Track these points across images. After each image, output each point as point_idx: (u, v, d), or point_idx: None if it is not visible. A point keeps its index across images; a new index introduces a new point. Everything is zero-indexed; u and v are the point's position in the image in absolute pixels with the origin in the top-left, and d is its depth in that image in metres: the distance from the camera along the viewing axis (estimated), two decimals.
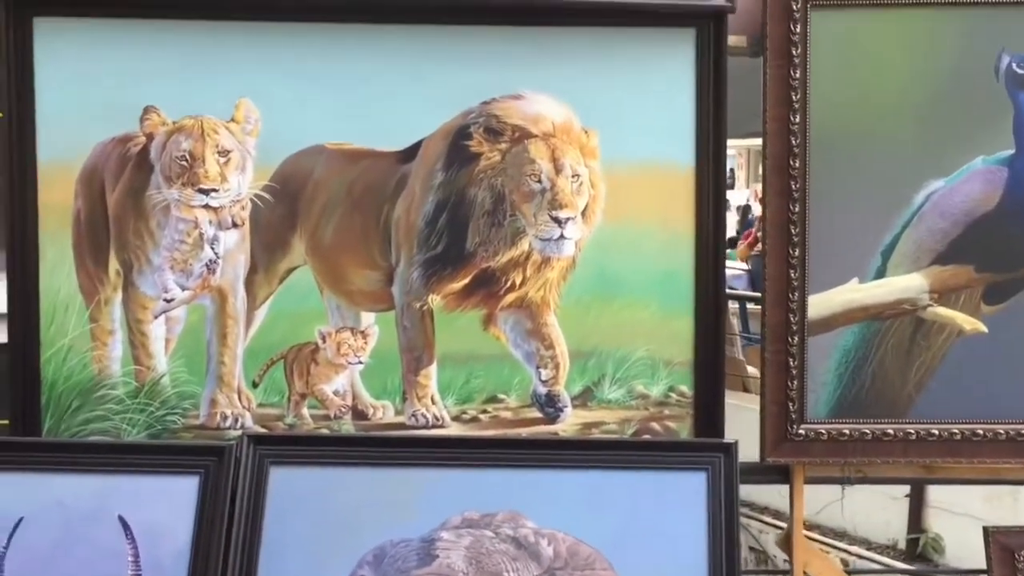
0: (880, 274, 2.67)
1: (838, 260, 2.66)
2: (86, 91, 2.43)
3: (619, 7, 2.54)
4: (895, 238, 2.66)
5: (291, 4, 2.45)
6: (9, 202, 2.41)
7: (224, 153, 2.44)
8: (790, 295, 2.65)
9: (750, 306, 9.18)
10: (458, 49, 2.52)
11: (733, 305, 8.01)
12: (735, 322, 8.05)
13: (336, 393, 2.58)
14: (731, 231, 13.97)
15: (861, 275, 2.67)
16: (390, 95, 2.51)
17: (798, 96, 2.63)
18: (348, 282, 2.57)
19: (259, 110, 2.47)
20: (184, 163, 2.44)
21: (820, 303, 2.65)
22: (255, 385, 2.56)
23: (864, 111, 2.65)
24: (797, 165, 2.64)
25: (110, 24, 2.42)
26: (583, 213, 2.55)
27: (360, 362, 2.57)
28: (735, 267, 10.66)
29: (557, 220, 2.52)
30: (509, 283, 2.56)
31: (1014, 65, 2.60)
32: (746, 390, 7.77)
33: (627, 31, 2.57)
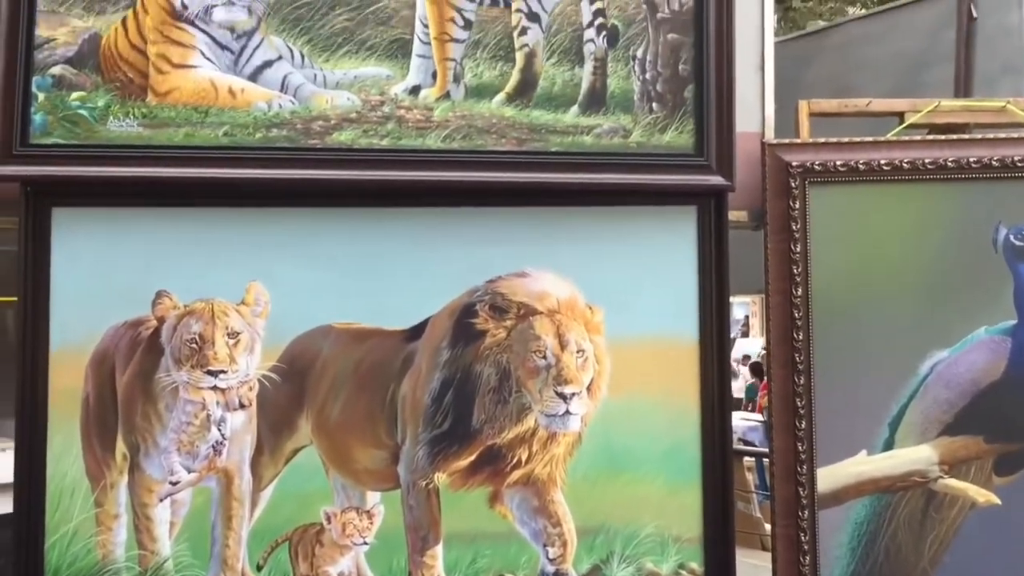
0: (888, 446, 2.66)
1: (845, 432, 2.66)
2: (100, 277, 2.49)
3: (621, 187, 2.60)
4: (902, 409, 2.66)
5: (299, 190, 2.52)
6: (20, 388, 2.44)
7: (233, 335, 2.48)
8: (798, 468, 2.65)
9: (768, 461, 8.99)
10: (463, 230, 2.59)
11: (749, 460, 7.89)
12: (751, 477, 7.92)
13: (341, 575, 2.54)
14: (746, 380, 13.89)
15: (869, 447, 2.66)
16: (397, 275, 2.57)
17: (799, 269, 2.68)
18: (354, 461, 2.56)
19: (269, 292, 2.52)
20: (194, 345, 2.47)
21: (829, 476, 2.64)
22: (259, 568, 2.53)
23: (866, 283, 2.69)
24: (800, 337, 2.67)
25: (125, 212, 2.50)
26: (588, 388, 2.56)
27: (365, 543, 2.54)
28: (751, 418, 10.55)
29: (562, 396, 2.53)
30: (515, 460, 2.56)
31: (1012, 237, 2.65)
32: (764, 548, 7.57)
33: (629, 209, 2.64)
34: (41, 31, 2.44)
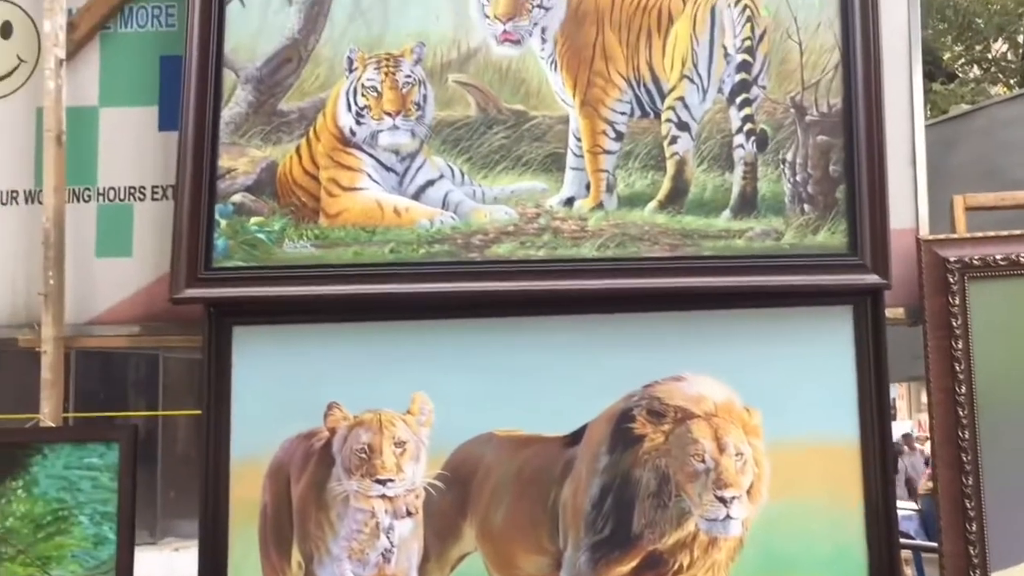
0: None
1: (1019, 534, 2.56)
2: (276, 391, 2.62)
3: (775, 289, 2.61)
4: None
5: (460, 302, 2.62)
6: (203, 497, 2.57)
7: (400, 444, 2.57)
8: (971, 573, 2.56)
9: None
10: (619, 336, 2.63)
11: (906, 552, 7.57)
12: (909, 572, 7.59)
13: None
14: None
15: None
16: (556, 382, 2.62)
17: (962, 366, 2.63)
18: (517, 567, 2.60)
19: (432, 402, 2.60)
20: (363, 455, 2.57)
21: None
22: None
23: None
24: (967, 436, 2.60)
25: (299, 329, 2.64)
26: (748, 492, 2.55)
27: None
28: (905, 507, 10.13)
29: (722, 500, 2.52)
30: (676, 565, 2.55)
31: None
32: None
33: (784, 311, 2.65)
34: (223, 162, 2.63)
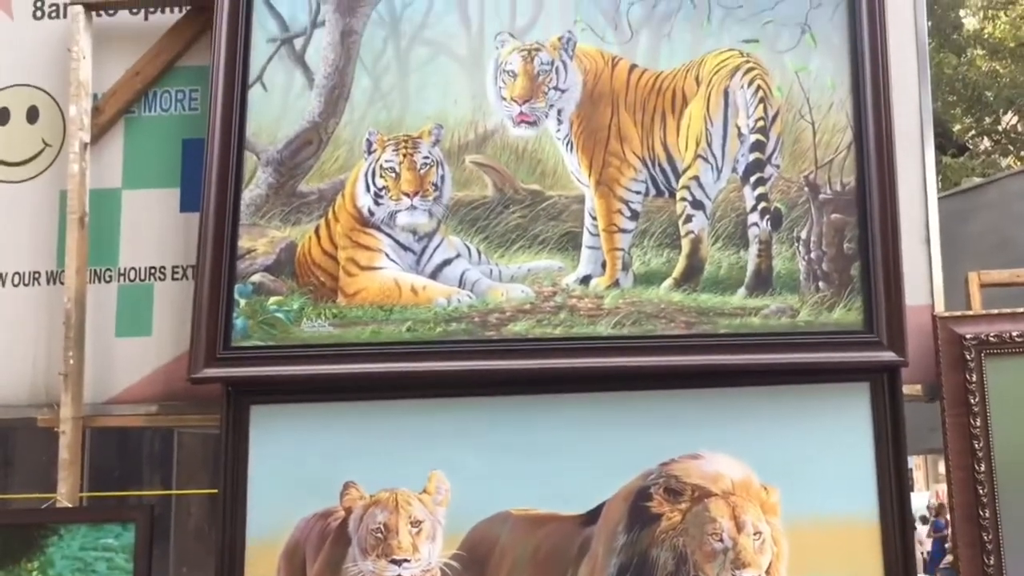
0: None
1: None
2: (293, 469, 2.62)
3: (791, 366, 2.62)
4: None
5: (477, 380, 2.62)
6: None
7: (416, 524, 2.56)
8: None
9: None
10: (636, 413, 2.63)
11: None
12: None
13: None
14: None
15: None
16: (572, 460, 2.62)
17: (980, 444, 2.62)
18: None
19: (449, 480, 2.60)
20: (379, 535, 2.55)
21: None
22: None
23: None
24: (987, 515, 2.58)
25: (316, 408, 2.65)
26: (767, 571, 2.52)
27: None
28: None
29: None
30: None
31: None
32: None
33: (801, 388, 2.64)
34: (243, 243, 2.67)
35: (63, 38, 2.99)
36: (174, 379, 2.76)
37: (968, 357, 2.66)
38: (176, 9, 2.97)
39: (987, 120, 18.03)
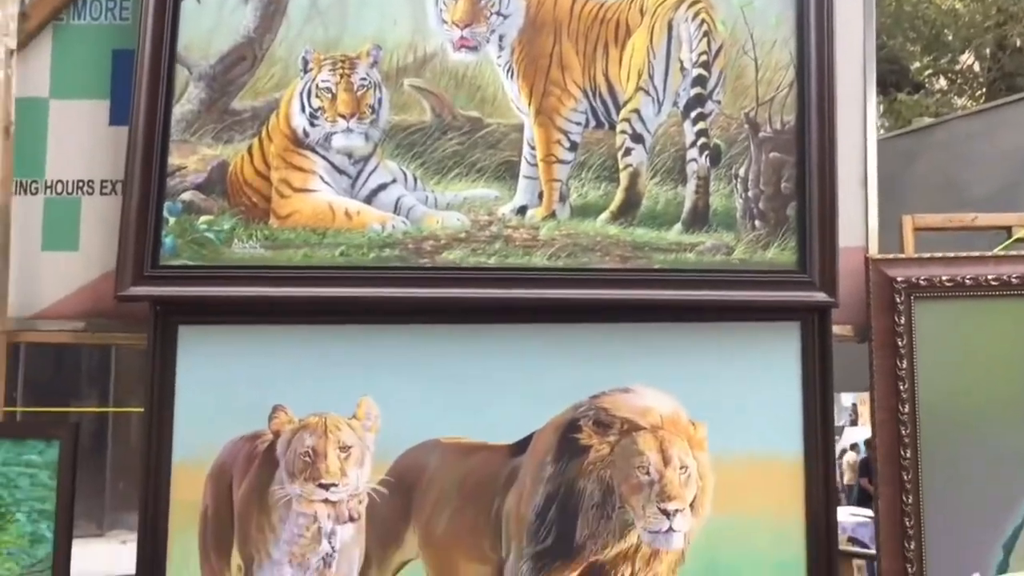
0: (1003, 569, 2.59)
1: (957, 554, 2.59)
2: (221, 392, 2.59)
3: (724, 303, 2.63)
4: (1016, 531, 2.59)
5: (410, 308, 2.61)
6: (143, 498, 2.55)
7: (345, 449, 2.56)
8: None
9: None
10: (568, 346, 2.64)
11: (859, 561, 7.62)
12: None
13: None
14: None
15: (983, 570, 2.59)
16: (502, 391, 2.62)
17: (906, 386, 2.65)
18: (459, 575, 2.59)
19: (379, 407, 2.59)
20: (307, 459, 2.55)
21: None
22: None
23: (976, 400, 2.64)
24: (908, 455, 2.63)
25: (245, 330, 2.62)
26: (691, 505, 2.56)
27: None
28: (860, 514, 10.22)
29: (665, 512, 2.53)
30: None
31: None
32: None
33: (732, 325, 2.66)
34: (173, 159, 2.60)
35: None
36: (102, 296, 2.70)
37: (898, 300, 2.68)
38: None
39: (945, 59, 18.09)
